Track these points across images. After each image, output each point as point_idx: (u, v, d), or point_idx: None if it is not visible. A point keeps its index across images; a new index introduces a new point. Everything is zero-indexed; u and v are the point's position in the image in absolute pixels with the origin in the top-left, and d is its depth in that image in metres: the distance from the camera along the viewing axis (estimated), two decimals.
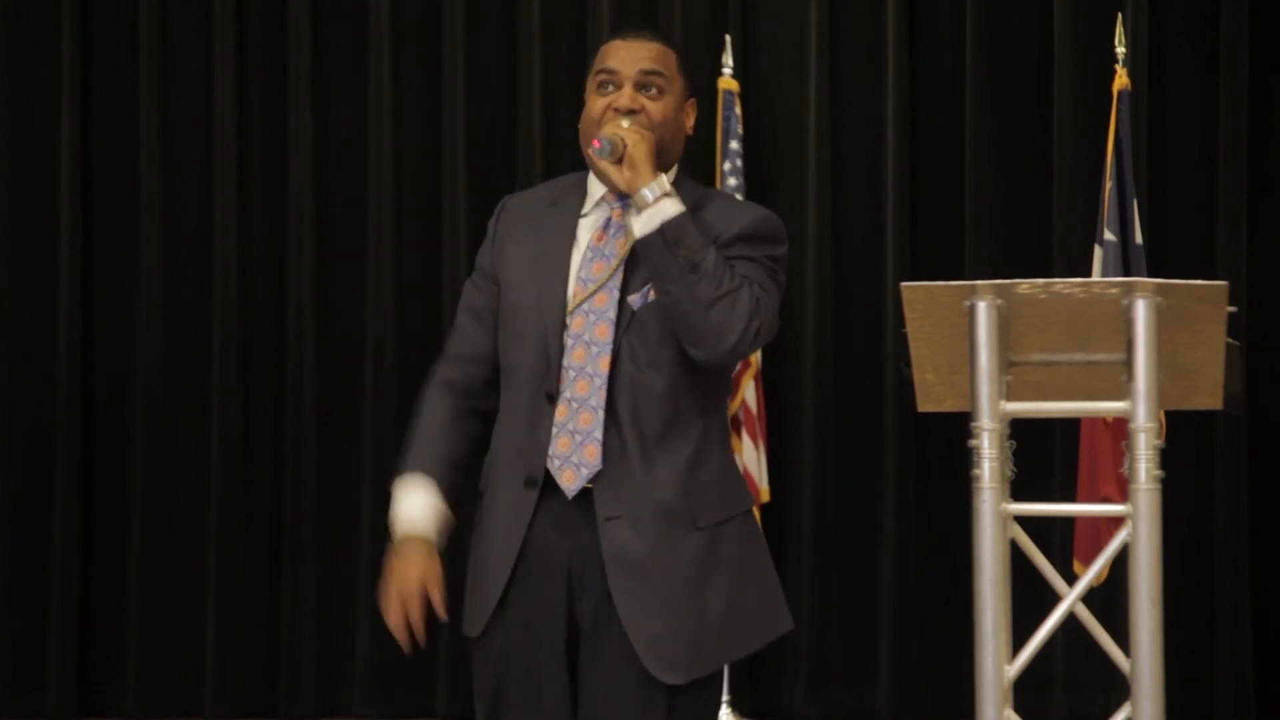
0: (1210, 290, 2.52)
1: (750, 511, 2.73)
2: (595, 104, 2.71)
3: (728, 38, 5.47)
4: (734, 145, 5.37)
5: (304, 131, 5.68)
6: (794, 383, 5.55)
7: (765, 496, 5.32)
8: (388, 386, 5.61)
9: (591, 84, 2.74)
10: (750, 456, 5.29)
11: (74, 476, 5.63)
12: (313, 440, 5.62)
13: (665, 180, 2.61)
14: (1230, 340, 2.59)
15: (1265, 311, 5.41)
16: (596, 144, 2.61)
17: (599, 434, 2.59)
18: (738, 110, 5.39)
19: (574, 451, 2.59)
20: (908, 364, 2.67)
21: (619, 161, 2.61)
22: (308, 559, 5.60)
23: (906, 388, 2.73)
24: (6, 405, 5.67)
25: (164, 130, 5.71)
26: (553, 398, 2.62)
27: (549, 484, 2.62)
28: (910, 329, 2.62)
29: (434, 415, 2.79)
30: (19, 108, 5.74)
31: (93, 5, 5.76)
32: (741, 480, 2.75)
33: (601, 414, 2.59)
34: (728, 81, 5.42)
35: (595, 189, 2.74)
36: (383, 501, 5.78)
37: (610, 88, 2.71)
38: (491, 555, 2.66)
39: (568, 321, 2.64)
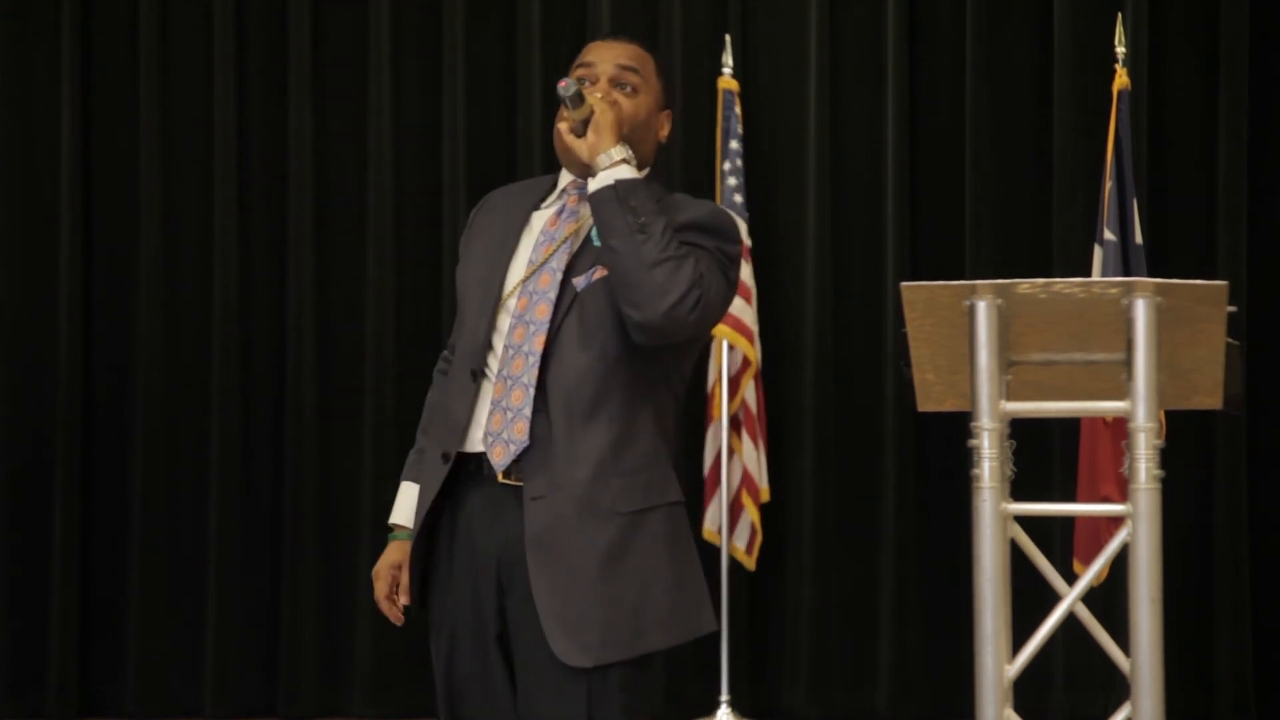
0: (1210, 290, 2.52)
1: (678, 505, 2.71)
2: None
3: (728, 38, 5.47)
4: (734, 145, 5.37)
5: (304, 131, 5.68)
6: (794, 383, 5.55)
7: (765, 496, 5.32)
8: (388, 386, 5.61)
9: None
10: (750, 456, 5.29)
11: (74, 476, 5.63)
12: (313, 440, 5.63)
13: (626, 150, 2.63)
14: (1230, 340, 2.59)
15: (1265, 311, 5.42)
16: (563, 83, 2.62)
17: (528, 411, 2.60)
18: (738, 110, 5.39)
19: (505, 428, 2.61)
20: (908, 364, 2.67)
21: (584, 131, 2.63)
22: (308, 559, 5.60)
23: (906, 388, 2.73)
24: (6, 405, 5.67)
25: (164, 130, 5.72)
26: (476, 374, 2.66)
27: (486, 473, 2.64)
28: (910, 329, 2.62)
29: (430, 411, 2.89)
30: (19, 108, 5.75)
31: (93, 5, 5.76)
32: (670, 473, 2.72)
33: (532, 391, 2.61)
34: (728, 81, 5.42)
35: (563, 179, 2.79)
36: (383, 501, 5.80)
37: (586, 82, 2.73)
38: (419, 524, 2.73)
39: (512, 303, 2.67)
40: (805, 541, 5.52)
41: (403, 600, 2.80)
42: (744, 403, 5.30)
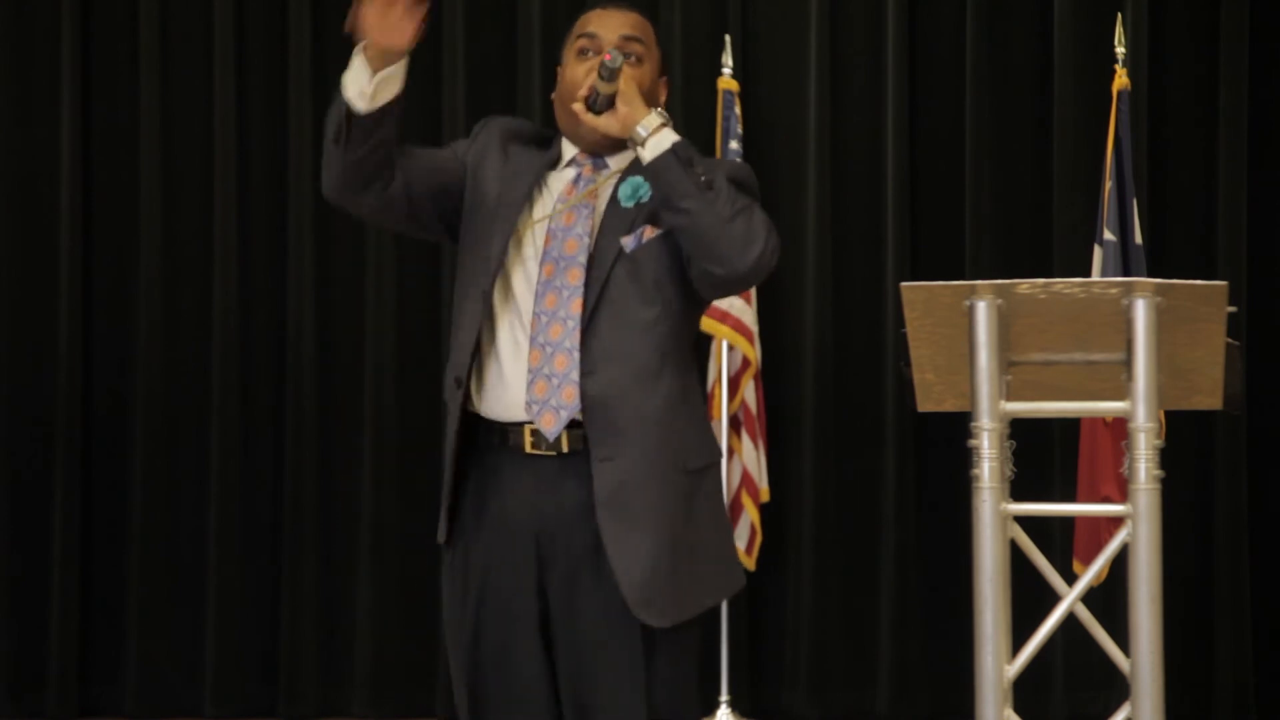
0: (1210, 290, 2.52)
1: (720, 460, 2.78)
2: (576, 70, 2.75)
3: (728, 38, 5.47)
4: (734, 145, 5.37)
5: (304, 131, 5.67)
6: (794, 382, 5.55)
7: (765, 496, 5.32)
8: (388, 387, 5.61)
9: (570, 51, 2.77)
10: (750, 456, 5.29)
11: (74, 477, 5.63)
12: (313, 440, 5.62)
13: (662, 113, 2.67)
14: (1230, 340, 2.59)
15: (1265, 311, 5.41)
16: (608, 56, 2.63)
17: (576, 375, 2.61)
18: (737, 110, 5.39)
19: (551, 395, 2.62)
20: (908, 364, 2.68)
21: (609, 105, 2.65)
22: (308, 559, 5.60)
23: (906, 388, 2.73)
24: (6, 405, 5.67)
25: (164, 130, 5.71)
26: (486, 295, 2.67)
27: (521, 447, 2.64)
28: (910, 329, 2.62)
29: None
30: (19, 108, 5.74)
31: (93, 5, 5.76)
32: (712, 431, 2.80)
33: (577, 355, 2.61)
34: (728, 81, 5.42)
35: (568, 150, 2.80)
36: (383, 501, 5.80)
37: (591, 54, 2.74)
38: (444, 463, 2.72)
39: (530, 266, 2.68)
40: (805, 542, 5.51)
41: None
42: (744, 403, 5.30)
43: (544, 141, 2.85)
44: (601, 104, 2.65)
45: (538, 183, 2.76)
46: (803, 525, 5.52)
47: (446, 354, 2.84)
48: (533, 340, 2.64)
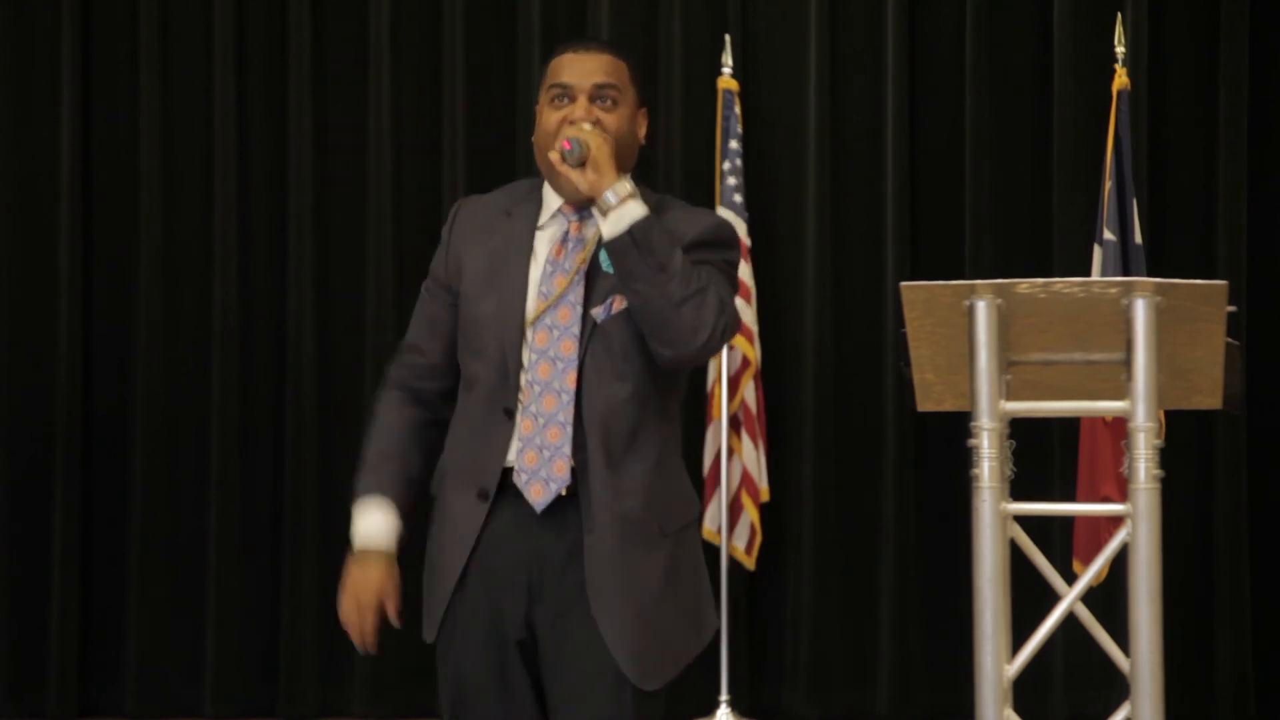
0: (1210, 290, 2.52)
1: (700, 515, 2.83)
2: (550, 118, 2.69)
3: (728, 38, 5.47)
4: (734, 145, 5.37)
5: (304, 131, 5.68)
6: (794, 383, 5.55)
7: (765, 496, 5.32)
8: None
9: (544, 99, 2.73)
10: (750, 456, 5.29)
11: (74, 477, 5.63)
12: (313, 440, 5.62)
13: (629, 183, 2.61)
14: (1230, 340, 2.59)
15: (1265, 311, 5.42)
16: (566, 145, 2.60)
17: (568, 449, 2.60)
18: (737, 110, 5.39)
19: (541, 466, 2.61)
20: (908, 364, 2.68)
21: (582, 165, 2.61)
22: (308, 559, 5.60)
23: (906, 388, 2.73)
24: (6, 406, 5.67)
25: (164, 130, 5.71)
26: (510, 412, 2.63)
27: (508, 492, 2.64)
28: (910, 329, 2.62)
29: (392, 428, 2.85)
30: (19, 108, 5.74)
31: (93, 5, 5.76)
32: (690, 485, 2.78)
33: (570, 429, 2.60)
34: (728, 81, 5.42)
35: (551, 200, 2.74)
36: None
37: (565, 100, 2.70)
38: (444, 564, 2.73)
39: (529, 336, 2.65)
40: (805, 541, 5.51)
41: (395, 624, 2.80)
42: (744, 402, 5.30)
43: (523, 194, 2.80)
44: (574, 161, 2.63)
45: (529, 254, 2.71)
46: (803, 525, 5.52)
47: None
48: (524, 409, 2.62)
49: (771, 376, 5.46)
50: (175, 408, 5.67)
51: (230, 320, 5.64)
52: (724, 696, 5.34)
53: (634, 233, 2.56)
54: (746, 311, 5.27)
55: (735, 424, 5.30)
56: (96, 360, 5.71)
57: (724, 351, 5.27)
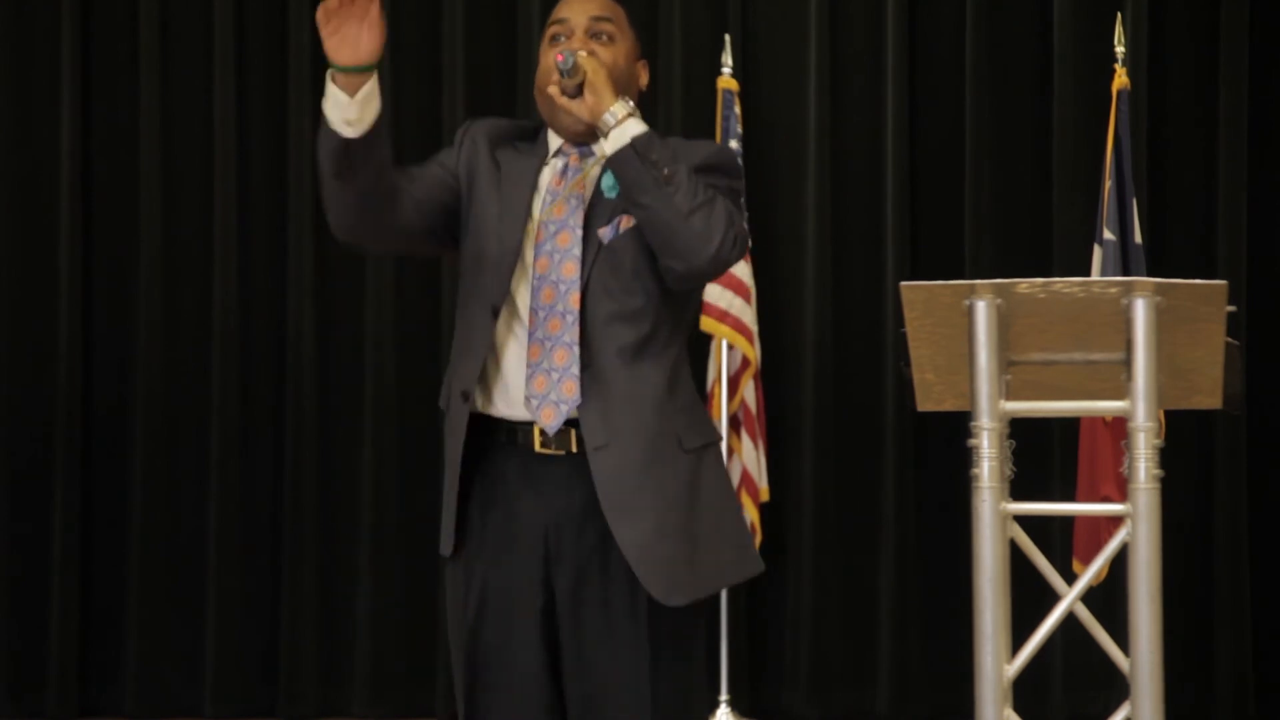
0: (1210, 290, 2.52)
1: (720, 441, 2.79)
2: (548, 56, 2.76)
3: (728, 38, 5.47)
4: (734, 145, 5.37)
5: (304, 131, 5.67)
6: (794, 383, 5.55)
7: (765, 496, 5.31)
8: (387, 386, 5.61)
9: (544, 41, 2.79)
10: (750, 456, 5.29)
11: (74, 477, 5.63)
12: (313, 440, 5.62)
13: (629, 103, 2.64)
14: (1230, 340, 2.59)
15: (1265, 311, 5.41)
16: (560, 57, 2.63)
17: (576, 369, 2.62)
18: (737, 110, 5.39)
19: (551, 389, 2.62)
20: (908, 364, 2.68)
21: (579, 92, 2.64)
22: (308, 559, 5.60)
23: (906, 388, 2.73)
24: (6, 405, 5.66)
25: (164, 130, 5.71)
26: (495, 311, 2.66)
27: (518, 435, 2.64)
28: (910, 329, 2.62)
29: None
30: (19, 108, 5.74)
31: (93, 5, 5.76)
32: (707, 414, 2.81)
33: (577, 350, 2.63)
34: (727, 81, 5.42)
35: (553, 141, 2.79)
36: (383, 501, 5.79)
37: (562, 38, 2.77)
38: (450, 473, 2.71)
39: (530, 261, 2.68)
40: (805, 541, 5.51)
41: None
42: (744, 402, 5.30)
43: (529, 135, 2.85)
44: (571, 91, 2.66)
45: (534, 188, 2.75)
46: (803, 525, 5.52)
47: (446, 358, 2.84)
48: (531, 335, 2.65)
49: (771, 376, 5.46)
50: (175, 408, 5.66)
51: (230, 320, 5.64)
52: (724, 696, 5.34)
53: (636, 145, 2.60)
54: (747, 312, 5.27)
55: (735, 424, 5.29)
56: (96, 360, 5.70)
57: (724, 351, 5.27)
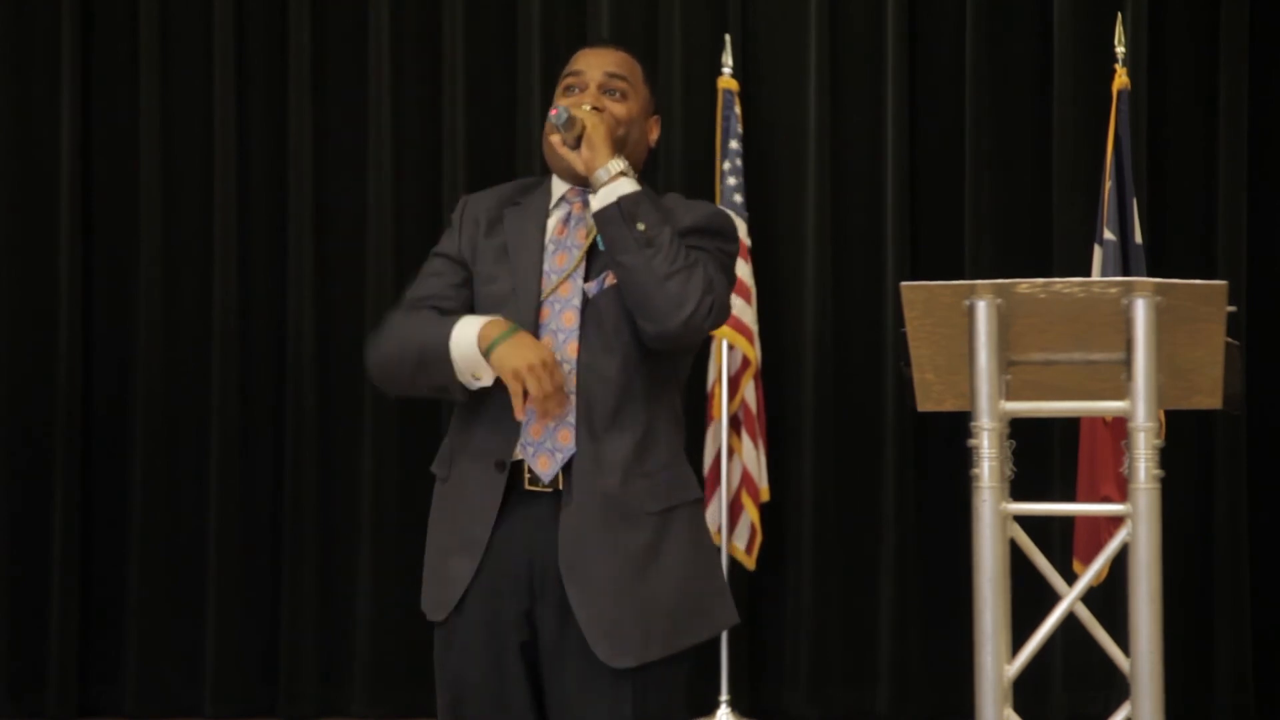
0: (1210, 290, 2.52)
1: (699, 501, 2.75)
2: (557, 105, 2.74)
3: (728, 38, 5.47)
4: (734, 145, 5.37)
5: (304, 131, 5.68)
6: (794, 383, 5.55)
7: (765, 496, 5.32)
8: None
9: (558, 90, 2.78)
10: (750, 456, 5.29)
11: (74, 476, 5.63)
12: (313, 440, 5.62)
13: (623, 162, 2.64)
14: (1230, 340, 2.59)
15: (1265, 311, 5.41)
16: (554, 111, 2.65)
17: (571, 418, 2.62)
18: (737, 110, 5.39)
19: (547, 437, 2.62)
20: (908, 364, 2.67)
21: (577, 144, 2.65)
22: (308, 559, 5.60)
23: (906, 388, 2.73)
24: (6, 406, 5.67)
25: (164, 130, 5.71)
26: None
27: (515, 477, 2.64)
28: (910, 329, 2.62)
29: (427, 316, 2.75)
30: (19, 108, 5.74)
31: (93, 5, 5.76)
32: (689, 470, 2.76)
33: (574, 399, 2.62)
34: (728, 81, 5.42)
35: (558, 189, 2.79)
36: (383, 501, 5.79)
37: (575, 90, 2.75)
38: (459, 537, 2.68)
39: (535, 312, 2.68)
40: (805, 541, 5.51)
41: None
42: (744, 402, 5.30)
43: (532, 187, 2.84)
44: (572, 141, 2.67)
45: (542, 246, 2.74)
46: (803, 525, 5.52)
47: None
48: None
49: (771, 376, 5.47)
50: (175, 408, 5.67)
51: (230, 320, 5.64)
52: (724, 696, 5.34)
53: (621, 204, 2.60)
54: (747, 312, 5.27)
55: (735, 424, 5.30)
56: (96, 360, 5.71)
57: (724, 351, 5.27)
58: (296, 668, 5.60)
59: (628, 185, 2.62)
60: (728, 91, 5.41)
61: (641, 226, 2.59)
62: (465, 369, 2.62)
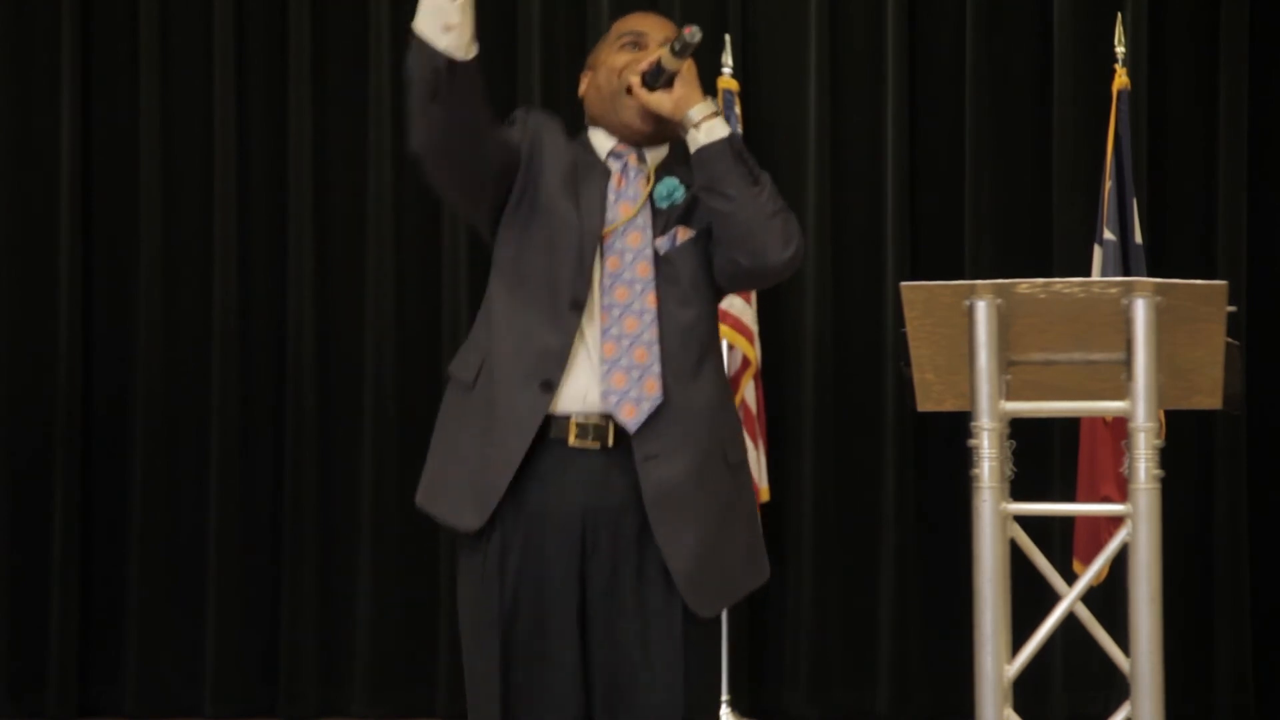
0: (1210, 290, 2.52)
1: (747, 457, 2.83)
2: (617, 59, 2.76)
3: (728, 38, 5.47)
4: None
5: (304, 131, 5.67)
6: (794, 382, 5.55)
7: (765, 496, 5.31)
8: (388, 387, 5.61)
9: (611, 47, 2.78)
10: (750, 456, 5.29)
11: (74, 476, 5.63)
12: (313, 440, 5.62)
13: (716, 102, 2.70)
14: (1230, 340, 2.59)
15: (1265, 311, 5.41)
16: (689, 30, 2.63)
17: (657, 368, 2.63)
18: (738, 110, 5.39)
19: (631, 386, 2.63)
20: (908, 364, 2.68)
21: (665, 85, 2.65)
22: (308, 559, 5.60)
23: (906, 388, 2.74)
24: (6, 406, 5.66)
25: (164, 130, 5.71)
26: (579, 305, 2.64)
27: (557, 429, 2.62)
28: (910, 329, 2.62)
29: None
30: (19, 108, 5.74)
31: (93, 5, 5.76)
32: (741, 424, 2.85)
33: (657, 348, 2.64)
34: (728, 81, 5.42)
35: (603, 143, 2.78)
36: (383, 501, 5.79)
37: (636, 48, 2.76)
38: (497, 447, 2.65)
39: (605, 257, 2.67)
40: (805, 542, 5.51)
41: None
42: (744, 402, 5.30)
43: (576, 133, 2.86)
44: (661, 81, 2.65)
45: (606, 176, 2.75)
46: (803, 525, 5.52)
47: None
48: (605, 332, 2.64)
49: (771, 376, 5.46)
50: (175, 408, 5.66)
51: (230, 320, 5.64)
52: (724, 696, 5.34)
53: (732, 140, 2.64)
54: (747, 312, 5.27)
55: None
56: (96, 360, 5.70)
57: (724, 351, 5.27)
58: (296, 668, 5.59)
59: (723, 125, 2.65)
60: (728, 91, 5.41)
61: (748, 165, 2.64)
62: (433, 25, 2.58)
